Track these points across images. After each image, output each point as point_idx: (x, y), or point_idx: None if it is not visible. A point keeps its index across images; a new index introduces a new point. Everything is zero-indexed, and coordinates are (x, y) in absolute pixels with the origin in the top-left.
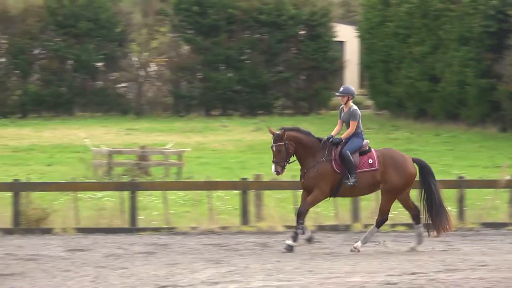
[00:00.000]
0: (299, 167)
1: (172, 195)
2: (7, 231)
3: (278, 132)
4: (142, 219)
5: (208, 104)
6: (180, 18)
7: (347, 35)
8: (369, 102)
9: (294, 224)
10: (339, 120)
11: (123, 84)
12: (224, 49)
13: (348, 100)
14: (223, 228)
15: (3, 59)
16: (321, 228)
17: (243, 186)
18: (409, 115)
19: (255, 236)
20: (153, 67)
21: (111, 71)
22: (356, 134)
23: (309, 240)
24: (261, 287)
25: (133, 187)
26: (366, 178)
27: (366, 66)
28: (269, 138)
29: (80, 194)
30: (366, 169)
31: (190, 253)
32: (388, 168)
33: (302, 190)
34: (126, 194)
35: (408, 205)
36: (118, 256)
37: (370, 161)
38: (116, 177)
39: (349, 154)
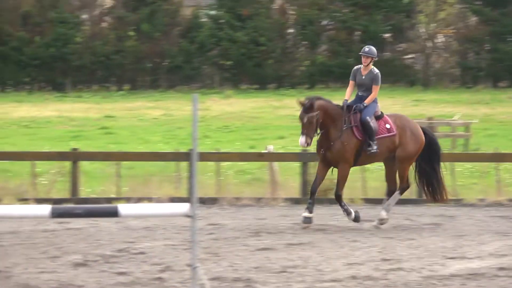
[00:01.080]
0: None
1: (460, 166)
2: (295, 201)
3: (308, 101)
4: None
5: (495, 75)
6: None
7: None
8: None
9: None
10: (351, 82)
11: (410, 55)
12: None
13: (370, 61)
14: (511, 200)
15: (291, 30)
16: None
17: None
18: None
19: None
20: (440, 38)
21: (398, 42)
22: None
23: (357, 219)
24: None
25: None
26: (386, 143)
27: None
28: None
29: (369, 166)
30: (385, 135)
31: (477, 225)
32: (405, 133)
33: (318, 162)
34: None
35: (393, 178)
36: (406, 227)
37: (388, 126)
38: None
39: (369, 120)
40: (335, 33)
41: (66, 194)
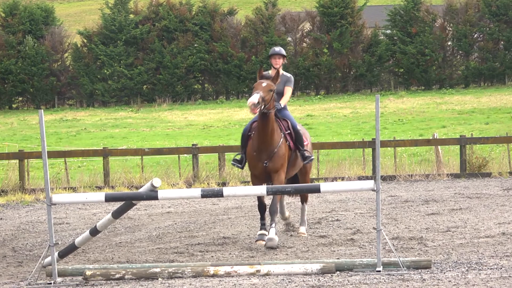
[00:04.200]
0: None
1: None
2: (455, 176)
3: (270, 73)
4: None
5: None
6: None
7: None
8: None
9: None
10: None
11: None
12: None
13: (282, 62)
14: None
15: (449, 43)
16: None
17: None
18: None
19: None
20: None
21: None
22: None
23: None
24: None
25: None
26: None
27: None
28: None
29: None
30: (305, 143)
31: None
32: (308, 143)
33: (253, 178)
34: None
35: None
36: None
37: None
38: None
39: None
40: (484, 43)
41: None
